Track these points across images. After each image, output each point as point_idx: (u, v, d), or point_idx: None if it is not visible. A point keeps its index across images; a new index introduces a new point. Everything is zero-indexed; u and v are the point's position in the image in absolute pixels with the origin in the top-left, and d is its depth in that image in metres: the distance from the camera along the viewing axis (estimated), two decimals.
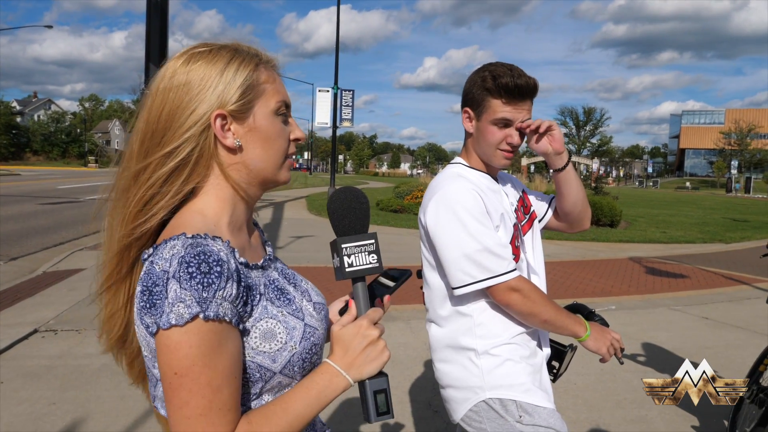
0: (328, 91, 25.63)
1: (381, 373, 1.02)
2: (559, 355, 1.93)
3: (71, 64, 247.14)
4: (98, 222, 1.06)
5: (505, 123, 1.78)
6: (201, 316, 0.85)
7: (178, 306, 0.84)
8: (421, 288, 1.98)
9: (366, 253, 1.04)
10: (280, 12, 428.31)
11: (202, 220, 0.98)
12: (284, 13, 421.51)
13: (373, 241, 1.05)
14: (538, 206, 2.08)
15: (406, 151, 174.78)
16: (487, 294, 1.75)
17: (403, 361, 4.74)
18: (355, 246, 1.04)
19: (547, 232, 2.14)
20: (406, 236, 12.23)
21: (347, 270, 1.03)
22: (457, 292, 1.73)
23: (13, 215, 14.59)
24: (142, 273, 0.91)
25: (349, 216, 1.06)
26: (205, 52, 1.01)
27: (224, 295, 0.88)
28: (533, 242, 1.96)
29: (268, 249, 1.15)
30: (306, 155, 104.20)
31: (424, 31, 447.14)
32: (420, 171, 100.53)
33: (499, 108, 1.77)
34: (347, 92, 27.65)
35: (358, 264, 1.03)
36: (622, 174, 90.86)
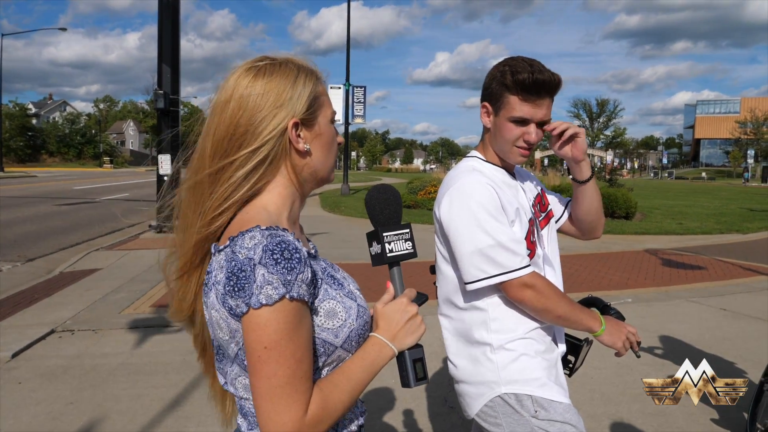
0: (340, 87, 25.65)
1: (417, 344, 1.15)
2: (574, 349, 1.91)
3: (86, 65, 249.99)
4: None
5: (523, 121, 1.75)
6: (287, 296, 0.95)
7: (267, 288, 0.94)
8: (434, 283, 1.96)
9: (403, 240, 1.19)
10: (292, 10, 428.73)
11: (267, 215, 1.08)
12: (296, 11, 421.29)
13: (408, 230, 1.20)
14: (555, 208, 2.06)
15: (419, 147, 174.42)
16: (501, 289, 1.73)
17: None
18: (394, 234, 1.18)
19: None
20: (419, 232, 12.08)
21: (388, 255, 1.16)
22: (470, 287, 1.71)
23: (30, 216, 14.78)
24: (221, 261, 1.00)
25: (388, 209, 1.20)
26: (276, 65, 1.12)
27: (303, 278, 0.98)
28: (549, 238, 1.94)
29: (310, 243, 1.28)
30: None
31: (435, 26, 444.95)
32: (433, 166, 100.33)
33: (517, 105, 1.73)
34: (359, 89, 27.70)
35: (397, 250, 1.18)
36: (636, 165, 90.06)
